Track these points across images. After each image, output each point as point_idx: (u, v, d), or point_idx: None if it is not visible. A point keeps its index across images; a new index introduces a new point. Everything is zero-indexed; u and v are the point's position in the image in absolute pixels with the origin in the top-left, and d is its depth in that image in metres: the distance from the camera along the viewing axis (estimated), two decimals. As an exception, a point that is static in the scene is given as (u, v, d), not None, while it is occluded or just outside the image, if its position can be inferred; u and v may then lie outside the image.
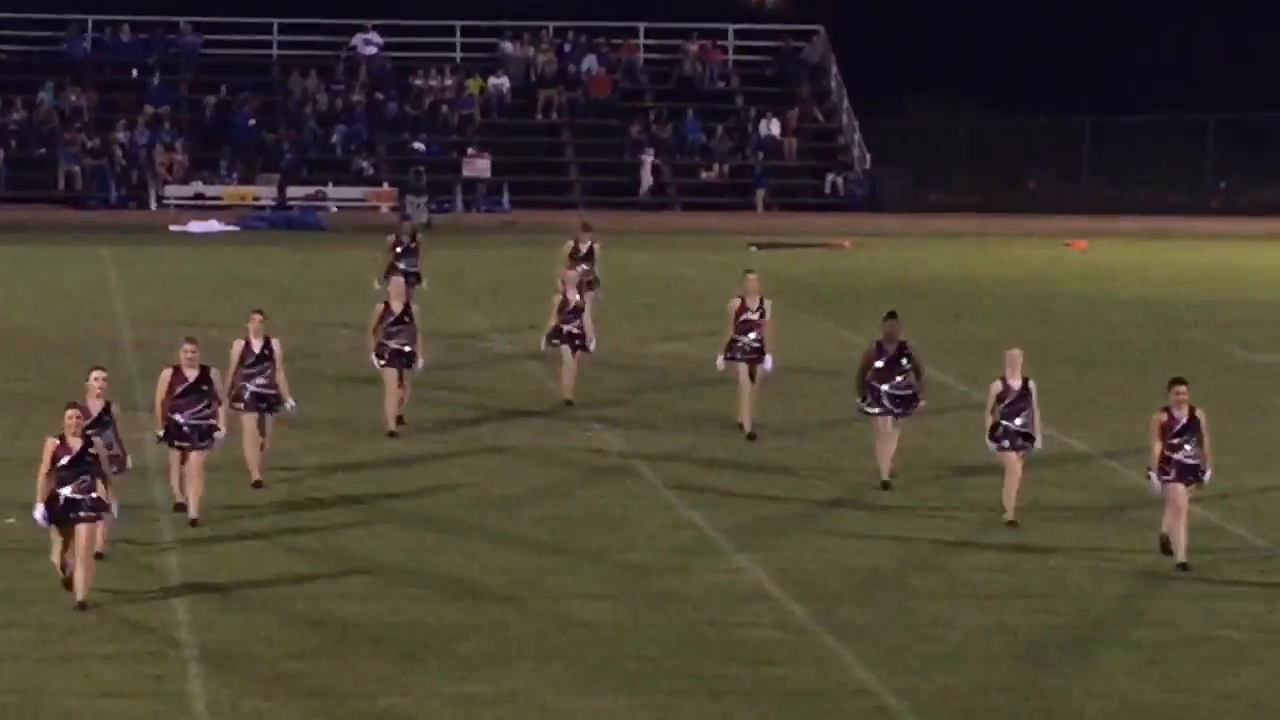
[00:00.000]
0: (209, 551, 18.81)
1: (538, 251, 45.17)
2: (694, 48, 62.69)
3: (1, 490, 21.97)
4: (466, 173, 57.62)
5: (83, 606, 16.50)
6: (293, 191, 56.23)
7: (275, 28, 61.15)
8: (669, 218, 56.56)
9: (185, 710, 14.60)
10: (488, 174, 57.79)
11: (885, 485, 21.93)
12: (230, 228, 52.95)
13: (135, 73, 60.58)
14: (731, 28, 64.95)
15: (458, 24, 62.50)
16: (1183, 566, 18.71)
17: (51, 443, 17.39)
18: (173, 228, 52.65)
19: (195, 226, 52.68)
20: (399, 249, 34.28)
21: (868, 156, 61.15)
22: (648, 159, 58.66)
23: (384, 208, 55.40)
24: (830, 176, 60.38)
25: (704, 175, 59.49)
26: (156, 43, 61.23)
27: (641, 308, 37.35)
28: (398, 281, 27.01)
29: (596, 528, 21.01)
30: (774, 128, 60.68)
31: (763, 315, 25.78)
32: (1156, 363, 33.88)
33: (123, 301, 38.55)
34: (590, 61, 62.27)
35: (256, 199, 56.05)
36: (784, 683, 15.62)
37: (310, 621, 17.01)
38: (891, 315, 23.05)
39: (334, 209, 56.15)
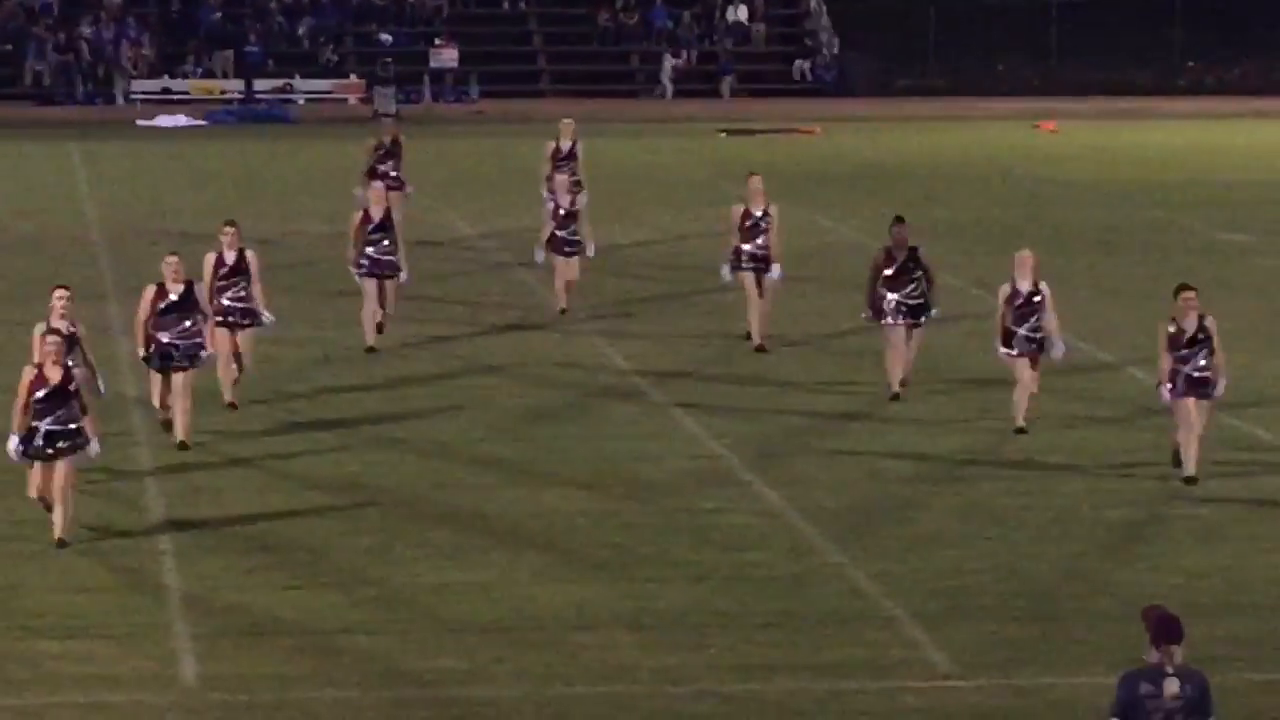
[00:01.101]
0: (189, 481, 18.25)
1: (507, 142, 45.50)
2: None
3: None
4: (434, 63, 57.32)
5: (61, 544, 15.92)
6: (260, 84, 56.22)
7: None
8: (639, 105, 56.47)
9: (163, 603, 14.60)
10: (455, 64, 57.47)
11: (895, 397, 21.10)
12: (198, 122, 53.07)
13: None
14: None
15: None
16: (1190, 480, 17.88)
17: (29, 372, 16.86)
18: (140, 122, 52.85)
19: (163, 121, 52.84)
20: (379, 151, 32.82)
21: (836, 41, 60.87)
22: (668, 62, 58.45)
23: (352, 99, 55.67)
24: (798, 62, 59.95)
25: (672, 62, 58.93)
26: None
27: (620, 198, 36.97)
28: (377, 186, 26.20)
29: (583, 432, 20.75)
30: (741, 13, 60.26)
31: (768, 220, 24.78)
32: (1125, 243, 34.45)
33: (91, 197, 38.47)
34: None
35: (224, 92, 56.17)
36: (759, 568, 15.71)
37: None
38: (899, 220, 22.26)
39: (301, 101, 56.24)
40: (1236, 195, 40.58)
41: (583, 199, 28.04)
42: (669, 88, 57.72)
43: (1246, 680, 13.20)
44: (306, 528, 16.82)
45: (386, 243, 23.98)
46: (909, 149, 48.18)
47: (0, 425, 16.88)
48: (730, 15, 60.12)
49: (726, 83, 57.81)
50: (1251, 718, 12.70)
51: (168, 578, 15.36)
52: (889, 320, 21.32)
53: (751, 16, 60.23)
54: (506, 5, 60.29)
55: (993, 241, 32.62)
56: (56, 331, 16.70)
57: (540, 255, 26.89)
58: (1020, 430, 19.83)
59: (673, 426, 20.82)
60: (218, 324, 20.52)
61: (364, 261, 23.86)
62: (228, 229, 21.23)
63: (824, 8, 61.14)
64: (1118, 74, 61.39)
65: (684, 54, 59.37)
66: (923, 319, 21.08)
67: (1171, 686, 10.36)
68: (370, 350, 23.87)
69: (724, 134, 48.93)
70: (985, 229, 35.21)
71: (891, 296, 21.43)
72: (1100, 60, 62.80)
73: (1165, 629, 10.39)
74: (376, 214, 24.16)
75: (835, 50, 60.61)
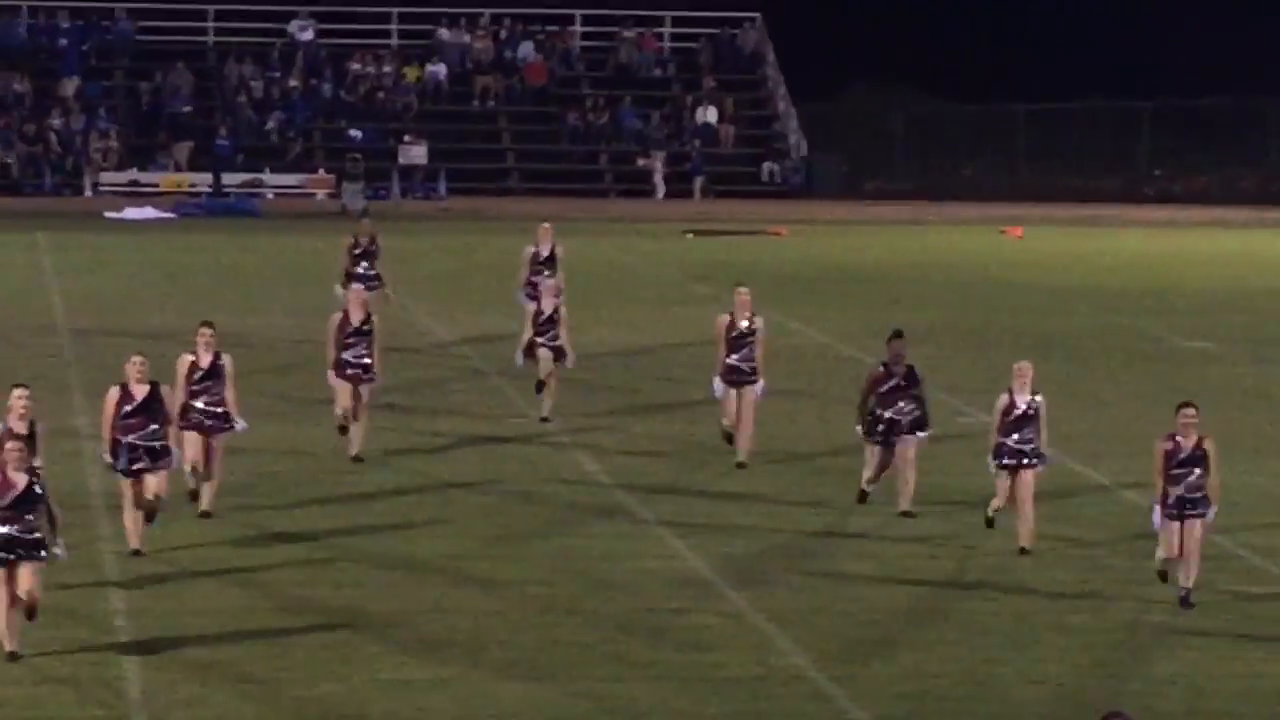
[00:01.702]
0: (153, 591, 17.81)
1: (476, 239, 46.27)
2: (630, 35, 63.54)
3: None
4: (403, 160, 57.99)
5: (13, 656, 15.54)
6: (228, 178, 56.90)
7: (211, 14, 61.93)
8: (606, 204, 57.16)
9: (120, 696, 14.63)
10: (424, 160, 58.22)
11: (863, 497, 20.96)
12: (167, 215, 53.36)
13: (70, 59, 61.03)
14: (668, 15, 65.58)
15: (394, 10, 63.27)
16: (1185, 601, 17.54)
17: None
18: (108, 214, 53.05)
19: (131, 213, 53.03)
20: (356, 251, 32.61)
21: (804, 143, 61.94)
22: (658, 163, 59.52)
23: (320, 194, 56.43)
24: (767, 164, 61.19)
25: (640, 163, 60.27)
26: (92, 29, 61.69)
27: (588, 298, 36.87)
28: (358, 289, 26.02)
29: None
30: (711, 115, 61.48)
31: (754, 334, 24.22)
32: (1091, 348, 34.74)
33: (58, 288, 38.71)
34: (526, 49, 63.07)
35: (193, 186, 56.67)
36: (721, 669, 15.78)
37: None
38: (897, 334, 21.86)
39: (270, 195, 56.88)
40: (1200, 303, 41.08)
41: (563, 308, 27.63)
42: (662, 188, 58.98)
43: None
44: (268, 638, 16.64)
45: (363, 348, 23.63)
46: (876, 252, 48.80)
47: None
48: (700, 117, 61.39)
49: (698, 183, 58.90)
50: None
51: (130, 689, 15.31)
52: (878, 440, 21.03)
53: (720, 118, 61.40)
54: (476, 103, 61.49)
55: (959, 346, 33.16)
56: (17, 436, 16.39)
57: (520, 359, 26.60)
58: (1024, 551, 19.42)
59: (654, 541, 20.70)
60: (189, 427, 20.18)
61: (343, 364, 23.58)
62: (204, 330, 20.85)
63: (793, 110, 62.24)
64: (1085, 181, 62.88)
65: (653, 155, 60.46)
66: (919, 434, 20.69)
67: None
68: (342, 430, 23.50)
69: (691, 235, 49.52)
70: (953, 334, 35.49)
71: (885, 414, 21.16)
72: (1067, 167, 64.48)
73: None
74: (356, 318, 23.81)
75: (803, 152, 61.66)
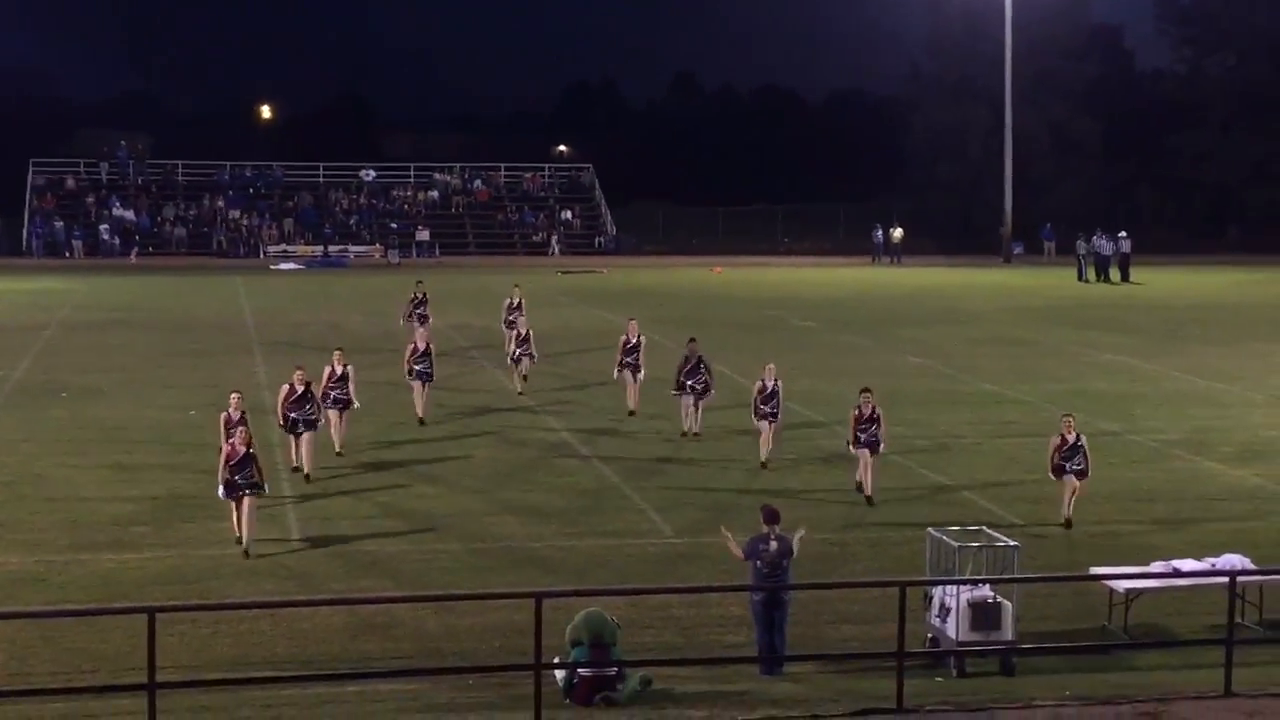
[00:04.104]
0: (313, 505, 21.22)
1: (456, 276, 66.05)
2: (529, 175, 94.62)
3: (186, 400, 32.95)
4: (417, 237, 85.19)
5: (240, 545, 20.98)
6: (331, 248, 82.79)
7: (321, 169, 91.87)
8: (518, 259, 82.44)
9: (294, 573, 18.93)
10: (428, 237, 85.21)
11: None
12: (300, 267, 76.96)
13: (252, 190, 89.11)
14: (547, 165, 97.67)
15: (411, 166, 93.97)
16: (869, 500, 23.83)
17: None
18: (271, 267, 76.44)
19: (284, 266, 76.67)
20: (415, 300, 40.46)
21: (614, 227, 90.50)
22: (554, 240, 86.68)
23: (376, 255, 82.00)
24: (597, 238, 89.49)
25: (534, 238, 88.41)
26: (261, 173, 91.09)
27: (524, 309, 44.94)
28: (422, 330, 32.21)
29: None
30: (568, 214, 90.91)
31: (639, 347, 31.04)
32: (756, 328, 47.85)
33: (248, 307, 54.17)
34: (477, 182, 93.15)
35: (314, 253, 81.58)
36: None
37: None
38: (692, 340, 29.32)
39: (352, 256, 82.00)
40: (809, 303, 56.95)
41: (531, 333, 34.42)
42: (556, 249, 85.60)
43: None
44: (379, 538, 21.32)
45: (427, 362, 30.47)
46: (646, 281, 67.60)
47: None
48: (562, 215, 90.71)
49: (555, 245, 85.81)
50: None
51: (299, 565, 19.55)
52: (685, 395, 28.93)
53: (573, 215, 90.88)
54: (453, 210, 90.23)
55: (690, 328, 39.85)
56: (239, 422, 21.88)
57: (509, 362, 34.06)
58: (764, 465, 26.65)
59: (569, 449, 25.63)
60: (329, 407, 26.26)
61: (415, 372, 30.39)
62: (338, 354, 27.26)
63: (609, 212, 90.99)
64: (752, 243, 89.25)
65: (540, 234, 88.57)
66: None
67: (773, 545, 16.60)
68: (421, 422, 30.20)
69: (561, 273, 71.78)
70: (689, 321, 45.75)
71: (687, 383, 28.91)
72: (742, 236, 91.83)
73: (768, 514, 16.81)
74: (421, 345, 30.67)
75: (614, 231, 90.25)
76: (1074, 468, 22.55)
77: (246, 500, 20.60)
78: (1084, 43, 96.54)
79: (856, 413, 24.12)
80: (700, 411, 29.11)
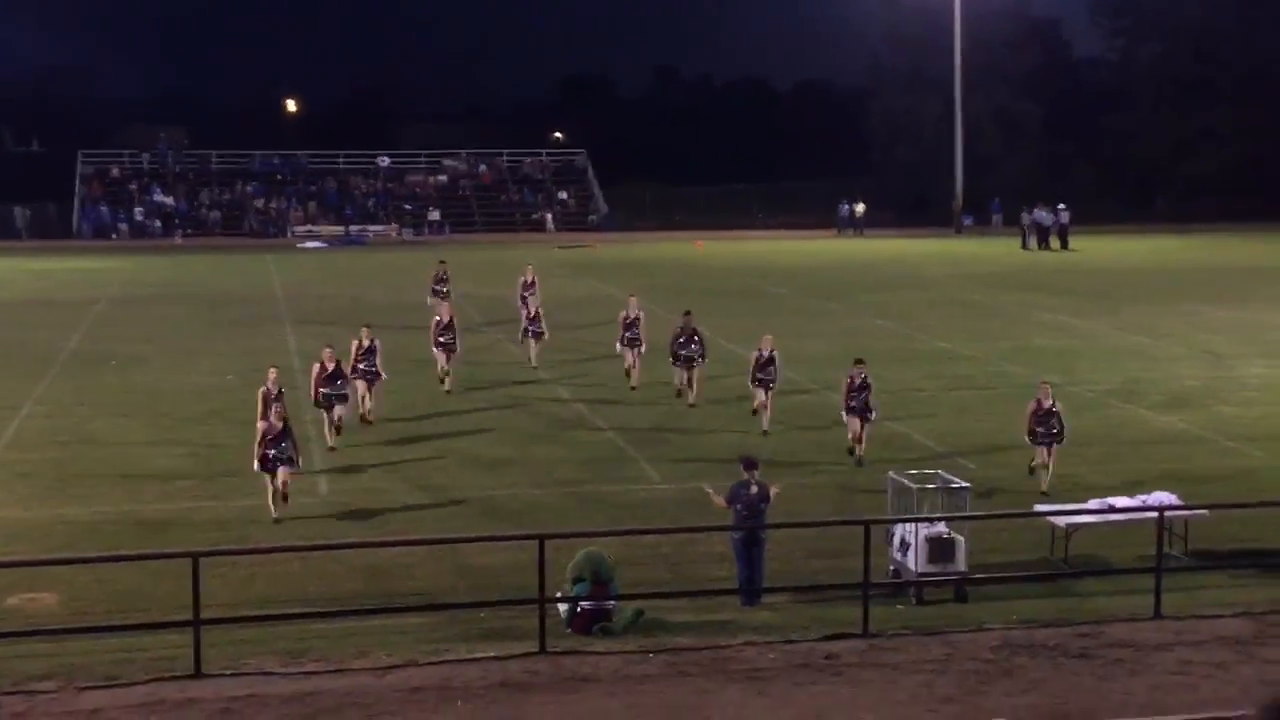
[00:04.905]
0: (345, 476, 20.18)
1: (465, 251, 63.66)
2: (528, 160, 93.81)
3: (224, 366, 30.52)
4: (430, 217, 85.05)
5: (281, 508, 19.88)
6: (353, 228, 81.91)
7: (341, 158, 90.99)
8: (519, 235, 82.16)
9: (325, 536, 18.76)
10: (439, 217, 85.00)
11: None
12: (324, 245, 75.74)
13: (280, 177, 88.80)
14: (544, 150, 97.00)
15: (423, 153, 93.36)
16: (859, 461, 22.96)
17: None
18: (299, 245, 75.08)
19: (309, 244, 75.43)
20: (437, 276, 39.83)
21: (605, 206, 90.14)
22: (549, 216, 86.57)
23: (393, 235, 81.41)
24: (590, 216, 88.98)
25: (533, 216, 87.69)
26: (288, 161, 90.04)
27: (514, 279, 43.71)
28: (445, 305, 31.23)
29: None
30: (564, 195, 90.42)
31: (639, 320, 29.72)
32: (735, 295, 46.90)
33: (278, 280, 54.59)
34: (482, 167, 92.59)
35: (336, 233, 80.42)
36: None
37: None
38: (687, 314, 28.24)
39: (371, 235, 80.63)
40: (783, 270, 57.72)
41: (540, 311, 32.78)
42: (552, 227, 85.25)
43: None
44: (408, 511, 21.20)
45: (451, 334, 29.67)
46: (637, 254, 67.33)
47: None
48: (559, 195, 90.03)
49: (549, 221, 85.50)
50: None
51: (332, 532, 19.38)
52: (679, 365, 28.22)
53: (568, 196, 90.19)
54: (460, 191, 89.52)
55: (678, 296, 42.01)
56: (277, 398, 21.09)
57: (521, 338, 32.52)
58: (754, 410, 26.00)
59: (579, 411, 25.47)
60: (359, 378, 25.23)
61: (440, 343, 29.59)
62: (365, 329, 26.41)
63: (600, 192, 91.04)
64: (731, 218, 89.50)
65: (539, 212, 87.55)
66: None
67: (753, 489, 16.71)
68: (447, 392, 29.38)
69: (558, 248, 70.51)
70: (674, 290, 45.29)
71: (682, 353, 28.15)
72: (722, 212, 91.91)
73: (746, 462, 16.98)
74: (445, 318, 29.87)
75: (605, 210, 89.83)
76: (1049, 433, 21.30)
77: (281, 471, 19.74)
78: (1025, 34, 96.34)
79: (849, 380, 23.40)
80: (697, 383, 28.21)
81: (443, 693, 13.60)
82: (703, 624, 15.71)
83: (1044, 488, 21.17)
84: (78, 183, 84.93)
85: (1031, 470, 21.53)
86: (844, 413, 23.55)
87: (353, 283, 53.25)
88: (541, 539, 14.85)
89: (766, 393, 25.51)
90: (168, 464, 23.87)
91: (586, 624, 15.76)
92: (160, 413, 28.22)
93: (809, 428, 26.35)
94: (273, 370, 22.01)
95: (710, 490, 17.43)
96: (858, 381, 23.27)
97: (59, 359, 35.08)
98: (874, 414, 23.52)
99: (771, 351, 25.49)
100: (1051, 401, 21.44)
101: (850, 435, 23.53)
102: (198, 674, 14.03)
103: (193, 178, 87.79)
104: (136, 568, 17.32)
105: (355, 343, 25.89)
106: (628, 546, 18.27)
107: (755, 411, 25.82)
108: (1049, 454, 21.31)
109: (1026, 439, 21.54)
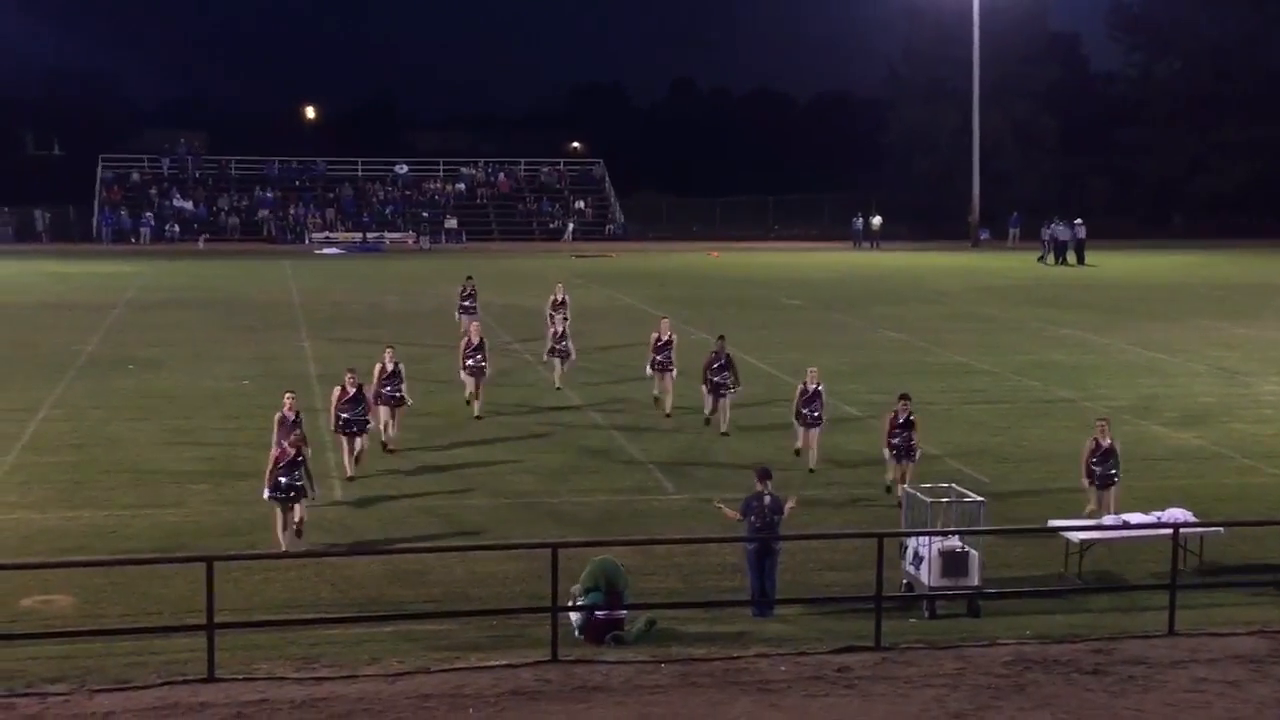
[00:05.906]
0: (363, 508, 18.98)
1: (481, 260, 63.91)
2: (546, 169, 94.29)
3: (240, 371, 30.73)
4: (446, 225, 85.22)
5: (298, 533, 18.43)
6: (370, 235, 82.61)
7: (359, 165, 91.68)
8: (536, 244, 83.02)
9: (346, 578, 18.36)
10: (456, 225, 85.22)
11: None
12: (342, 251, 76.79)
13: (298, 182, 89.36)
14: (561, 160, 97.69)
15: (440, 160, 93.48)
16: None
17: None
18: (316, 251, 76.43)
19: (326, 250, 76.86)
20: (464, 292, 37.18)
21: (622, 216, 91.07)
22: (570, 225, 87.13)
23: (409, 242, 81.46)
24: (607, 225, 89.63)
25: (552, 225, 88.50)
26: (306, 167, 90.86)
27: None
28: (475, 324, 29.24)
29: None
30: (581, 204, 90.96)
31: (671, 344, 27.81)
32: (749, 305, 47.61)
33: (295, 286, 54.81)
34: (499, 176, 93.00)
35: (354, 239, 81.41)
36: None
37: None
38: (720, 338, 26.51)
39: (388, 242, 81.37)
40: (794, 282, 57.17)
41: (568, 330, 31.62)
42: (570, 236, 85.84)
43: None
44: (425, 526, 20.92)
45: (480, 357, 27.83)
46: (651, 264, 67.24)
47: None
48: (576, 205, 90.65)
49: (570, 232, 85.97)
50: None
51: (351, 572, 18.56)
52: (711, 393, 26.30)
53: (585, 205, 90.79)
54: (477, 200, 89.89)
55: (691, 305, 44.61)
56: (293, 423, 19.55)
57: (546, 357, 31.23)
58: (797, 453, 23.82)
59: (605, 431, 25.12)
60: (381, 403, 23.91)
61: (468, 367, 27.89)
62: (388, 351, 24.97)
63: (617, 202, 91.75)
64: (747, 229, 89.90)
65: (558, 221, 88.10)
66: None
67: (766, 500, 16.73)
68: (477, 417, 27.46)
69: (576, 257, 71.92)
70: (689, 299, 47.12)
71: (714, 379, 26.37)
72: (738, 224, 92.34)
73: (760, 473, 16.76)
74: (475, 339, 27.99)
75: (622, 219, 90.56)
76: (1107, 474, 19.57)
77: (296, 508, 18.29)
78: (1043, 49, 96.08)
79: (892, 416, 21.46)
80: (729, 410, 26.23)
81: (454, 700, 13.58)
82: (715, 635, 15.64)
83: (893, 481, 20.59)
84: (98, 187, 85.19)
85: (1089, 517, 19.49)
86: (885, 450, 21.56)
87: (370, 290, 53.21)
88: (554, 547, 14.87)
89: (812, 431, 23.17)
90: (183, 468, 23.84)
91: (599, 633, 15.73)
92: (176, 417, 28.17)
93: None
94: (288, 396, 20.41)
95: (722, 504, 17.32)
96: (901, 419, 21.41)
97: (76, 362, 35.06)
98: (917, 454, 21.56)
99: (818, 385, 23.24)
100: (1110, 440, 19.79)
101: (890, 476, 21.74)
102: (210, 678, 14.01)
103: (211, 183, 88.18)
104: (151, 571, 17.25)
105: (378, 365, 24.36)
106: (641, 556, 18.18)
107: (798, 452, 23.56)
108: (1111, 499, 19.60)
109: (1084, 481, 19.85)
